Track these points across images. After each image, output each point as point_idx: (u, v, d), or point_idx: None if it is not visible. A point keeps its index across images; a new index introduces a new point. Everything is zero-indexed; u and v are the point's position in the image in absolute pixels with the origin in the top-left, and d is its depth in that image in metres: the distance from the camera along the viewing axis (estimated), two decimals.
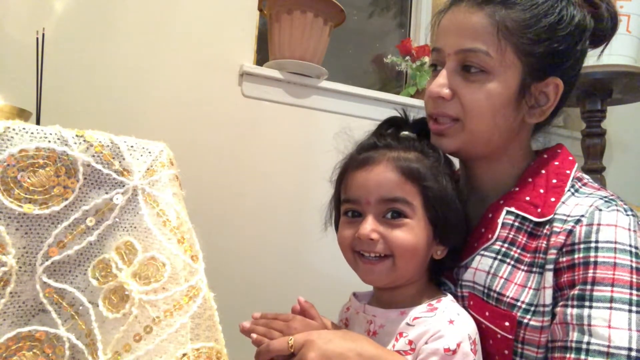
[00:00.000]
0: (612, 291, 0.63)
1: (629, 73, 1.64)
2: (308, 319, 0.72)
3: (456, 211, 0.74)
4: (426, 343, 0.66)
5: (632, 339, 0.61)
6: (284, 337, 0.68)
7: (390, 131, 0.80)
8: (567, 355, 0.63)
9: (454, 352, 0.64)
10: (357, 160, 0.74)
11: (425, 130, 0.80)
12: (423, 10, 2.06)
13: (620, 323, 0.62)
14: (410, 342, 0.68)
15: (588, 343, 0.62)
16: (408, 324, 0.70)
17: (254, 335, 0.70)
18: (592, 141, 1.78)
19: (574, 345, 0.63)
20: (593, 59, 0.83)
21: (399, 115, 0.82)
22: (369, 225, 0.70)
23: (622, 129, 2.18)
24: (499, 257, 0.73)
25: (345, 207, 0.75)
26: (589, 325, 0.63)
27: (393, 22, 2.13)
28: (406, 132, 0.78)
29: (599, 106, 1.76)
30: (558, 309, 0.66)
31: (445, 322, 0.67)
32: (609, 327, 0.62)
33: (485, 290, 0.73)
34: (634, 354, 0.60)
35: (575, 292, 0.65)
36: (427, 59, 1.86)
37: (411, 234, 0.70)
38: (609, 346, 0.61)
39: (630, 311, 0.62)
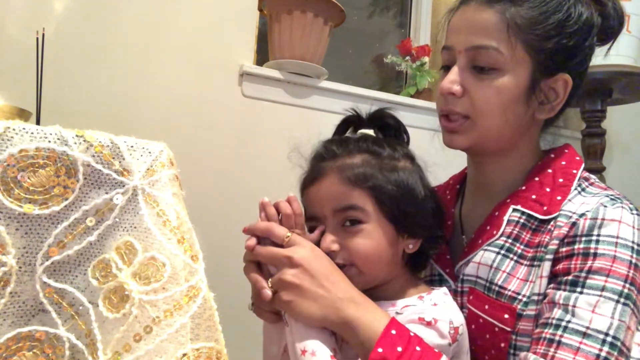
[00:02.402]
0: (605, 281, 0.64)
1: (629, 73, 1.64)
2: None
3: (417, 201, 0.72)
4: (407, 318, 0.67)
5: (612, 326, 0.61)
6: (284, 228, 0.70)
7: (348, 132, 0.81)
8: (546, 330, 0.64)
9: (429, 323, 0.65)
10: (307, 178, 0.76)
11: (384, 123, 0.80)
12: (423, 10, 2.05)
13: (605, 311, 0.62)
14: None
15: (568, 322, 0.63)
16: (397, 313, 0.70)
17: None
18: (592, 141, 1.78)
19: (554, 322, 0.64)
20: (599, 57, 0.84)
21: (352, 114, 0.81)
22: (328, 238, 0.71)
23: (622, 129, 2.18)
24: (503, 251, 0.74)
25: (309, 226, 0.75)
26: (574, 306, 0.63)
27: (393, 22, 2.13)
28: (363, 130, 0.78)
29: (599, 106, 1.76)
30: (549, 291, 0.67)
31: (430, 305, 0.69)
32: (593, 312, 0.62)
33: (487, 284, 0.73)
34: (609, 339, 0.61)
35: (570, 277, 0.66)
36: (427, 59, 1.86)
37: (370, 238, 0.70)
38: (587, 327, 0.62)
39: (617, 302, 0.63)
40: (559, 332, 0.63)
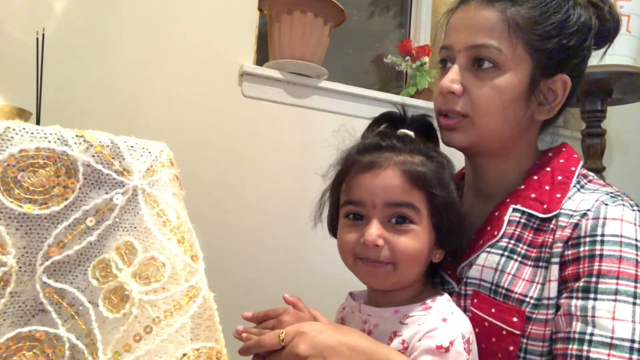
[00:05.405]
0: (617, 284, 0.63)
1: (629, 73, 1.64)
2: (298, 312, 0.72)
3: (459, 216, 0.73)
4: (419, 340, 0.66)
5: (635, 331, 0.61)
6: (275, 331, 0.67)
7: (384, 127, 0.79)
8: (570, 346, 0.64)
9: (447, 349, 0.64)
10: (361, 163, 0.72)
11: (422, 128, 0.79)
12: (423, 10, 2.05)
13: (624, 315, 0.62)
14: (404, 342, 0.68)
15: (591, 334, 0.63)
16: (402, 323, 0.69)
17: (245, 335, 0.70)
18: (592, 141, 1.78)
19: (577, 336, 0.64)
20: (594, 60, 0.84)
21: (396, 111, 0.80)
22: (375, 231, 0.68)
23: (622, 129, 2.18)
24: (506, 253, 0.73)
25: (347, 210, 0.73)
26: (593, 316, 0.63)
27: (393, 22, 2.13)
28: (404, 130, 0.76)
29: (599, 106, 1.76)
30: (562, 301, 0.67)
31: (439, 320, 0.67)
32: (613, 318, 0.62)
33: (493, 287, 0.73)
34: (636, 345, 0.61)
35: (580, 284, 0.65)
36: (427, 59, 1.86)
37: (417, 240, 0.69)
38: (612, 337, 0.61)
39: (634, 304, 0.62)
40: (585, 347, 0.62)
